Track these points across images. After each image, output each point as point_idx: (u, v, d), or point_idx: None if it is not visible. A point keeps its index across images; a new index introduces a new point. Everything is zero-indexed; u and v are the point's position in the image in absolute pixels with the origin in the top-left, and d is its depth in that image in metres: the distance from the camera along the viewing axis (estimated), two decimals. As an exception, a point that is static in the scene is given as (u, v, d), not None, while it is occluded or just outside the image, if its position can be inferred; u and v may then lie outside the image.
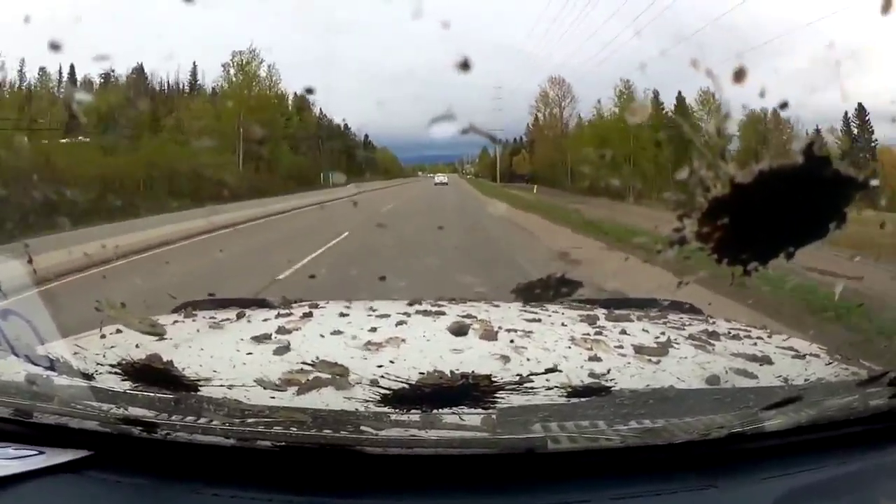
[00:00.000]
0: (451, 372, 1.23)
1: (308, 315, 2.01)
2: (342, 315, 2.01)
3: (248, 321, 2.00)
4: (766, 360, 1.56)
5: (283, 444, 1.12)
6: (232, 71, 38.55)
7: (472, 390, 1.18)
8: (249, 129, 34.56)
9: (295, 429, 1.13)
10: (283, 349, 1.59)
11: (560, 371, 1.33)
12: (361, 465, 1.12)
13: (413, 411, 1.19)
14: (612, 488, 1.12)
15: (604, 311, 2.09)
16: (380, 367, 1.41)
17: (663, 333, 1.77)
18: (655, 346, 1.63)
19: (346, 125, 45.02)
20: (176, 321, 2.01)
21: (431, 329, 1.81)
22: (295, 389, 1.34)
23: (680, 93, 35.85)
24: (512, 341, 1.65)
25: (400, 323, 1.88)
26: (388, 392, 1.19)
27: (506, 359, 1.52)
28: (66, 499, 1.12)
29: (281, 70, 39.23)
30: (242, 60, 38.04)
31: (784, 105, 1.13)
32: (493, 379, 1.19)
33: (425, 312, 2.04)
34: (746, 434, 1.16)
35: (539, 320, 1.93)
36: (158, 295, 2.68)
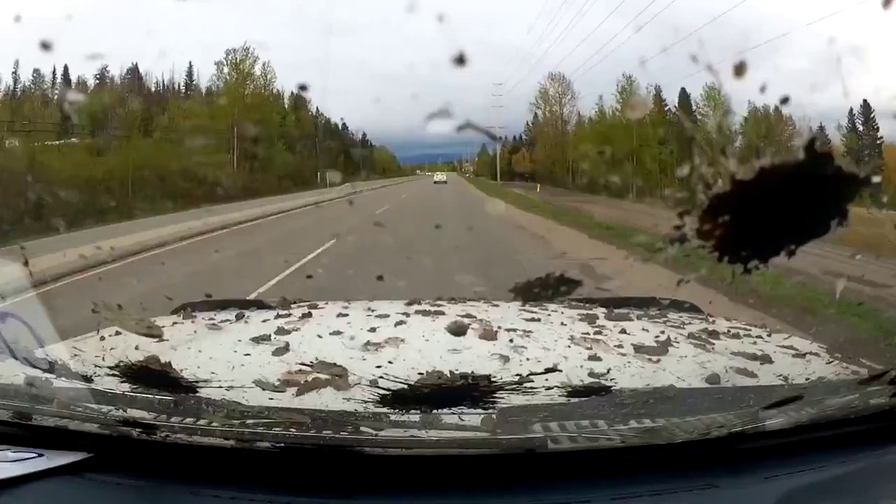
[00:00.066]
0: (451, 372, 1.23)
1: (307, 316, 2.00)
2: (341, 315, 2.01)
3: (247, 322, 1.99)
4: (766, 359, 1.56)
5: (283, 444, 1.12)
6: (226, 69, 38.50)
7: (471, 390, 1.17)
8: (244, 128, 34.42)
9: (294, 430, 1.13)
10: (282, 350, 1.59)
11: (560, 371, 1.32)
12: (361, 465, 1.12)
13: (412, 412, 1.19)
14: (613, 488, 1.11)
15: (603, 310, 2.09)
16: (379, 367, 1.40)
17: (663, 332, 1.77)
18: (655, 345, 1.63)
19: (343, 124, 45.06)
20: (175, 322, 2.00)
21: (430, 329, 1.81)
22: (294, 390, 1.34)
23: (683, 89, 35.89)
24: (511, 341, 1.65)
25: (399, 323, 1.88)
26: (387, 393, 1.19)
27: (505, 358, 1.52)
28: (65, 501, 1.12)
29: (278, 69, 39.25)
30: (236, 58, 37.98)
31: (785, 100, 1.13)
32: (493, 379, 1.19)
33: (424, 312, 2.04)
34: (747, 433, 1.15)
35: (538, 320, 1.93)
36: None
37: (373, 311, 2.05)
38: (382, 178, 40.17)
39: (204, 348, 1.67)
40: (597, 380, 1.39)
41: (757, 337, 1.85)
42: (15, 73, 35.06)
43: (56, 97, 34.63)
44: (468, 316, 1.92)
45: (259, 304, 2.33)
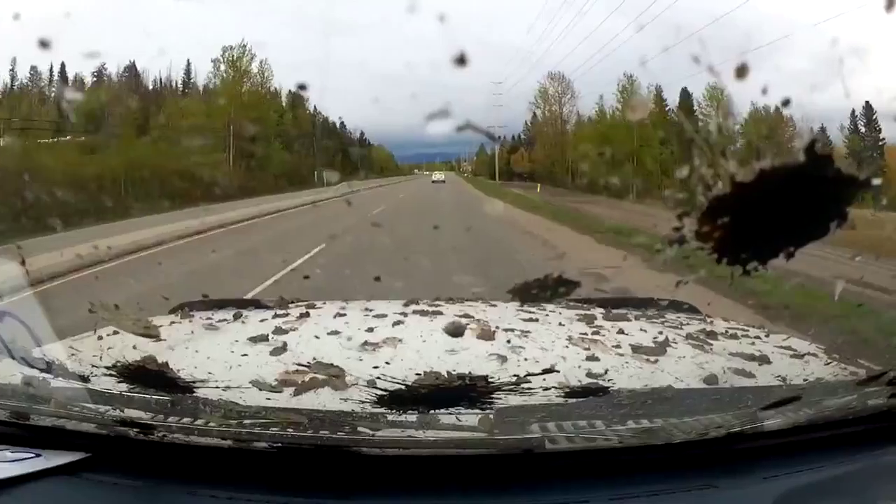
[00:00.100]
0: (448, 373, 1.23)
1: (304, 315, 2.00)
2: (339, 315, 2.00)
3: (244, 322, 1.99)
4: (764, 360, 1.57)
5: (280, 445, 1.11)
6: (222, 67, 38.35)
7: (469, 391, 1.17)
8: (240, 126, 34.25)
9: (291, 430, 1.13)
10: (280, 350, 1.59)
11: (557, 371, 1.32)
12: (358, 465, 1.12)
13: (410, 412, 1.18)
14: (611, 489, 1.11)
15: (601, 310, 2.09)
16: (376, 367, 1.40)
17: (661, 333, 1.77)
18: (653, 345, 1.63)
19: (342, 123, 45.02)
20: (172, 322, 2.00)
21: (428, 329, 1.81)
22: (291, 390, 1.34)
23: (684, 89, 35.86)
24: (509, 341, 1.65)
25: (396, 323, 1.88)
26: (384, 393, 1.19)
27: (503, 359, 1.52)
28: (63, 501, 1.12)
29: (278, 68, 39.16)
30: (233, 56, 37.83)
31: (786, 102, 1.13)
32: (491, 379, 1.19)
33: (422, 312, 2.04)
34: (745, 434, 1.15)
35: (536, 320, 1.93)
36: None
37: (370, 311, 2.05)
38: (380, 178, 40.13)
39: (201, 348, 1.66)
40: (594, 380, 1.39)
41: (755, 337, 1.85)
42: (12, 70, 35.05)
43: (53, 95, 34.64)
44: (466, 316, 1.92)
45: (256, 304, 2.32)
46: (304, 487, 1.11)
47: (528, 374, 1.21)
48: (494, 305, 2.20)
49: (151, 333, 1.51)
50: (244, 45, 37.54)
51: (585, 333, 1.76)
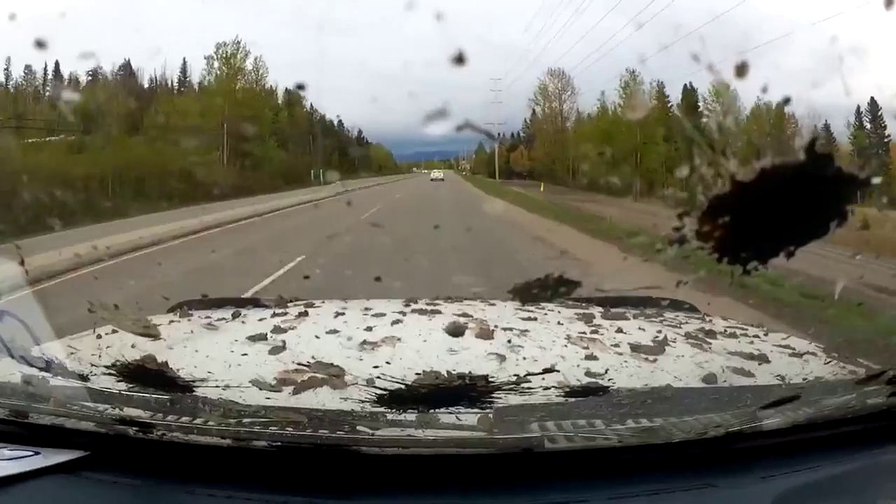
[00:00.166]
0: (448, 372, 1.23)
1: (303, 314, 2.00)
2: (338, 314, 2.00)
3: (244, 321, 1.99)
4: (763, 359, 1.57)
5: (279, 444, 1.11)
6: (216, 64, 38.14)
7: (468, 390, 1.17)
8: (235, 125, 34.03)
9: (291, 429, 1.13)
10: (279, 349, 1.59)
11: (557, 371, 1.32)
12: (358, 465, 1.12)
13: (409, 411, 1.18)
14: (610, 488, 1.12)
15: (600, 309, 2.08)
16: (376, 367, 1.40)
17: (660, 332, 1.76)
18: (652, 344, 1.63)
19: (339, 121, 44.98)
20: (171, 321, 2.00)
21: (427, 328, 1.81)
22: (290, 389, 1.34)
23: (685, 86, 35.74)
24: (509, 340, 1.65)
25: (396, 322, 1.88)
26: (384, 392, 1.19)
27: (502, 358, 1.52)
28: (62, 499, 1.12)
29: (277, 67, 39.00)
30: (227, 52, 37.61)
31: (787, 101, 1.13)
32: (491, 379, 1.19)
33: (421, 311, 2.04)
34: (744, 433, 1.16)
35: (535, 319, 1.93)
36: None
37: (369, 310, 2.05)
38: (378, 176, 40.07)
39: (200, 347, 1.66)
40: (594, 379, 1.39)
41: (754, 336, 1.85)
42: (7, 69, 34.99)
43: (47, 94, 34.55)
44: (464, 315, 1.92)
45: (255, 303, 2.32)
46: (304, 486, 1.11)
47: (528, 374, 1.21)
48: (493, 304, 2.20)
49: (150, 332, 1.51)
50: (238, 42, 37.41)
51: (584, 332, 1.76)
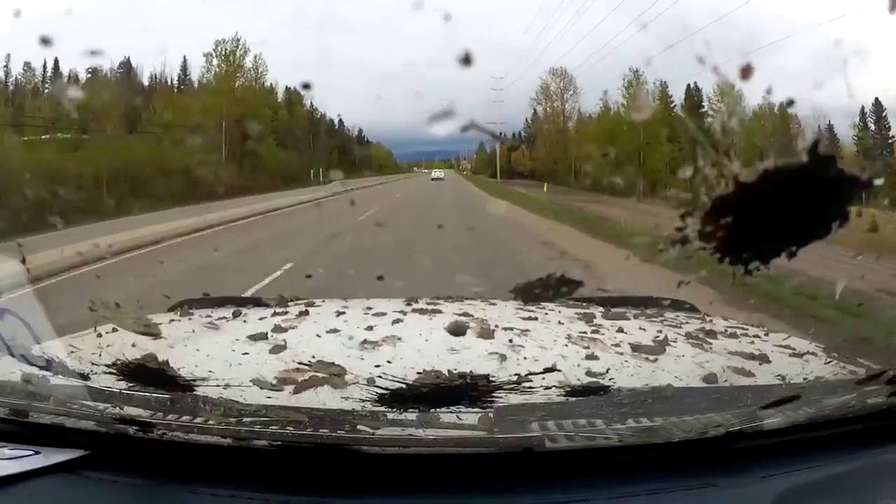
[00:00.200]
0: (449, 371, 1.23)
1: (304, 314, 2.00)
2: (339, 314, 2.00)
3: (244, 320, 1.99)
4: (763, 359, 1.57)
5: (280, 443, 1.11)
6: (215, 61, 37.98)
7: (469, 390, 1.17)
8: (233, 123, 33.87)
9: (291, 428, 1.13)
10: (280, 348, 1.59)
11: (558, 370, 1.32)
12: (358, 464, 1.12)
13: (410, 410, 1.18)
14: (610, 487, 1.12)
15: (600, 309, 2.08)
16: (377, 366, 1.40)
17: (660, 332, 1.76)
18: (653, 344, 1.63)
19: (340, 120, 44.95)
20: (172, 320, 2.00)
21: (428, 328, 1.81)
22: (291, 388, 1.34)
23: (689, 86, 35.63)
24: (510, 340, 1.65)
25: (396, 321, 1.88)
26: (384, 392, 1.19)
27: (503, 357, 1.52)
28: (62, 499, 1.12)
29: (278, 67, 38.89)
30: (226, 50, 37.46)
31: (791, 103, 1.13)
32: (492, 378, 1.19)
33: (422, 311, 2.03)
34: (745, 433, 1.16)
35: (536, 318, 1.93)
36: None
37: (370, 309, 2.05)
38: (378, 176, 40.07)
39: (201, 346, 1.66)
40: (594, 379, 1.39)
41: (754, 336, 1.85)
42: (6, 66, 34.95)
43: (47, 91, 34.51)
44: (465, 314, 1.92)
45: (256, 302, 2.31)
46: (304, 485, 1.11)
47: (529, 373, 1.21)
48: (493, 304, 2.20)
49: (151, 331, 1.51)
50: (237, 39, 37.30)
51: (585, 332, 1.76)
